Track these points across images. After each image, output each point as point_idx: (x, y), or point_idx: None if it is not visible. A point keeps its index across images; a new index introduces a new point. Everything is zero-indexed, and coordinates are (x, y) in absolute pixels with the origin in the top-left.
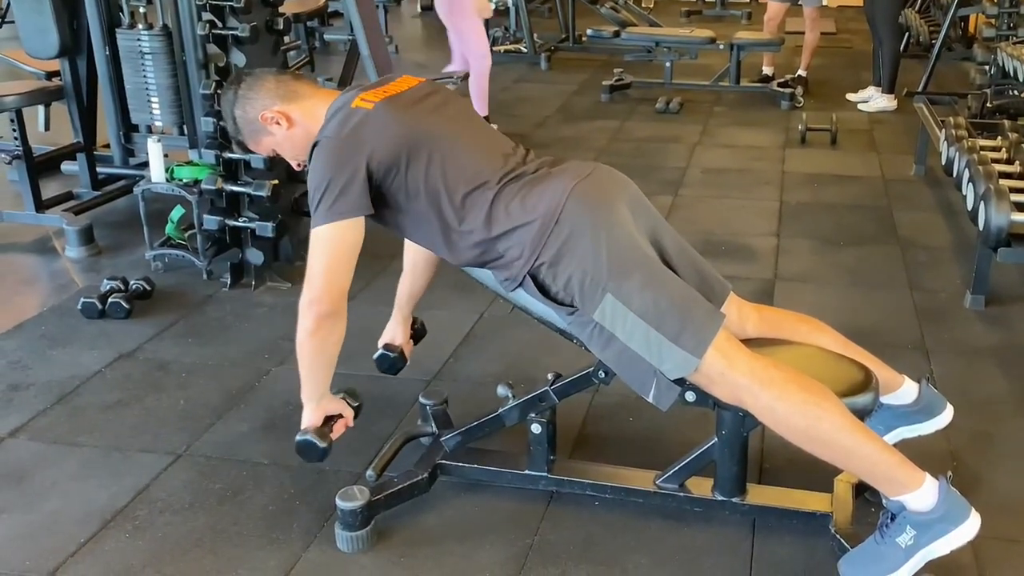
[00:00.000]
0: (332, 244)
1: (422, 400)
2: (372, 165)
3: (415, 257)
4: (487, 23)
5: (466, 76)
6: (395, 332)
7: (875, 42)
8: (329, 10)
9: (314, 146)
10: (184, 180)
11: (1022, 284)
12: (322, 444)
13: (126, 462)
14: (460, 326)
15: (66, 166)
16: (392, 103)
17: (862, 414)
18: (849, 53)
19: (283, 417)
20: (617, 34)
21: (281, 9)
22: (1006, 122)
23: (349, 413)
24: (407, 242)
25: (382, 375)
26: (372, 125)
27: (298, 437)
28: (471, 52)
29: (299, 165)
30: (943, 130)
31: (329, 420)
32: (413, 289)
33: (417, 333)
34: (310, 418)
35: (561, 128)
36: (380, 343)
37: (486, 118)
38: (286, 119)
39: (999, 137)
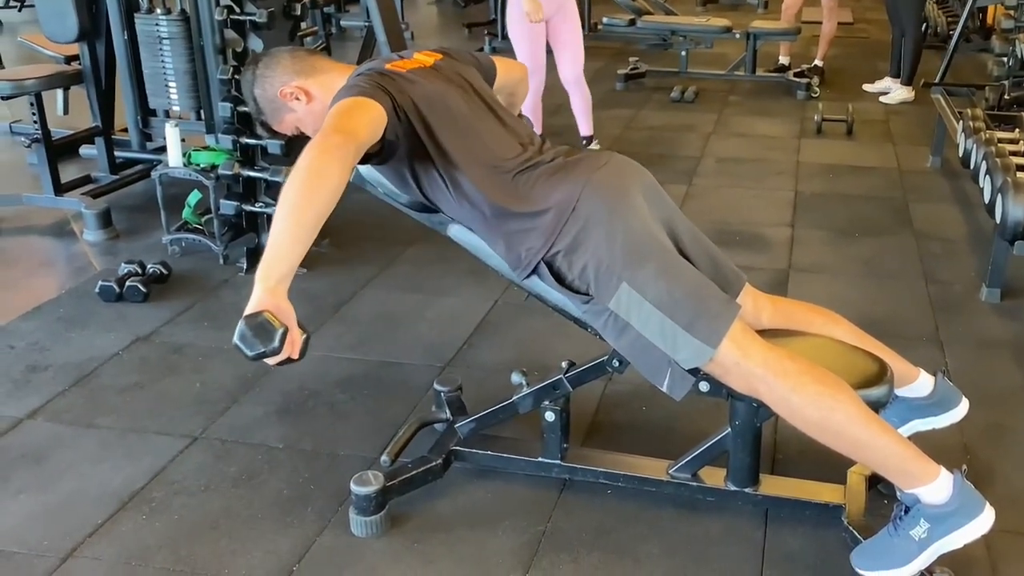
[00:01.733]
0: (347, 104)
1: (436, 386)
2: (399, 106)
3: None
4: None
5: None
6: None
7: (895, 33)
8: None
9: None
10: (201, 165)
11: None
12: (278, 327)
13: (142, 444)
14: (475, 313)
15: (84, 150)
16: (420, 73)
17: (877, 406)
18: (866, 43)
19: (298, 402)
20: (632, 22)
21: None
22: None
23: (298, 336)
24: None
25: (396, 360)
26: (403, 80)
27: (243, 321)
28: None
29: None
30: (960, 122)
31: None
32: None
33: None
34: (262, 302)
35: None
36: None
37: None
38: (305, 94)
39: (1017, 129)
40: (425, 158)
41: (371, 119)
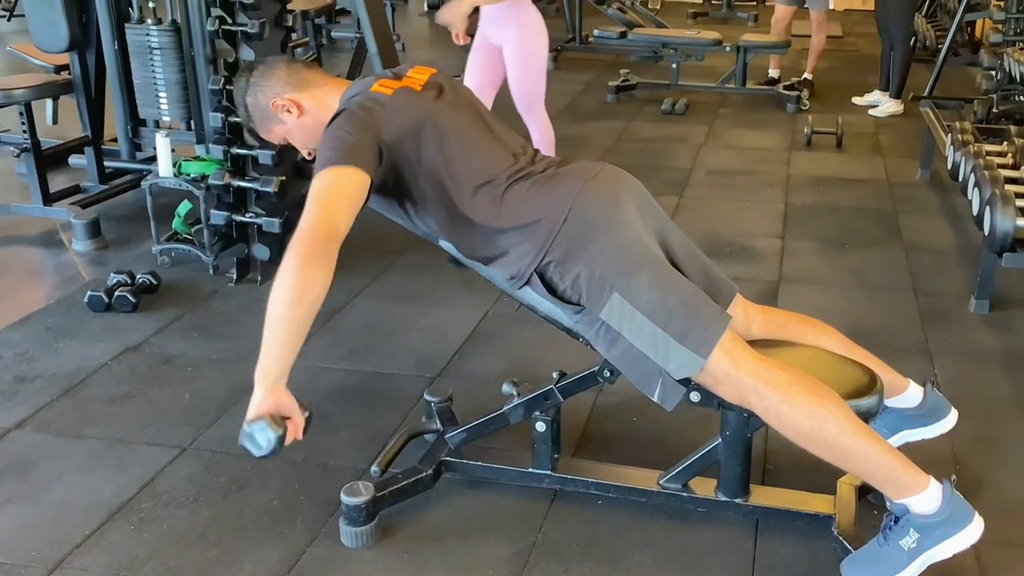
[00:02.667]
0: (331, 182)
1: (427, 397)
2: (385, 143)
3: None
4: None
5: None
6: None
7: (885, 46)
8: (337, 7)
9: (332, 120)
10: (191, 175)
11: None
12: (278, 431)
13: (131, 455)
14: (466, 323)
15: (74, 160)
16: (410, 92)
17: (867, 416)
18: (855, 56)
19: None
20: (624, 35)
21: (290, 6)
22: (1012, 127)
23: (300, 420)
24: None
25: (387, 372)
26: (390, 110)
27: (246, 425)
28: None
29: (309, 153)
30: (949, 135)
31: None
32: None
33: None
34: (263, 403)
35: (567, 128)
36: None
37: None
38: (297, 107)
39: (1005, 142)
40: (412, 192)
41: (353, 198)
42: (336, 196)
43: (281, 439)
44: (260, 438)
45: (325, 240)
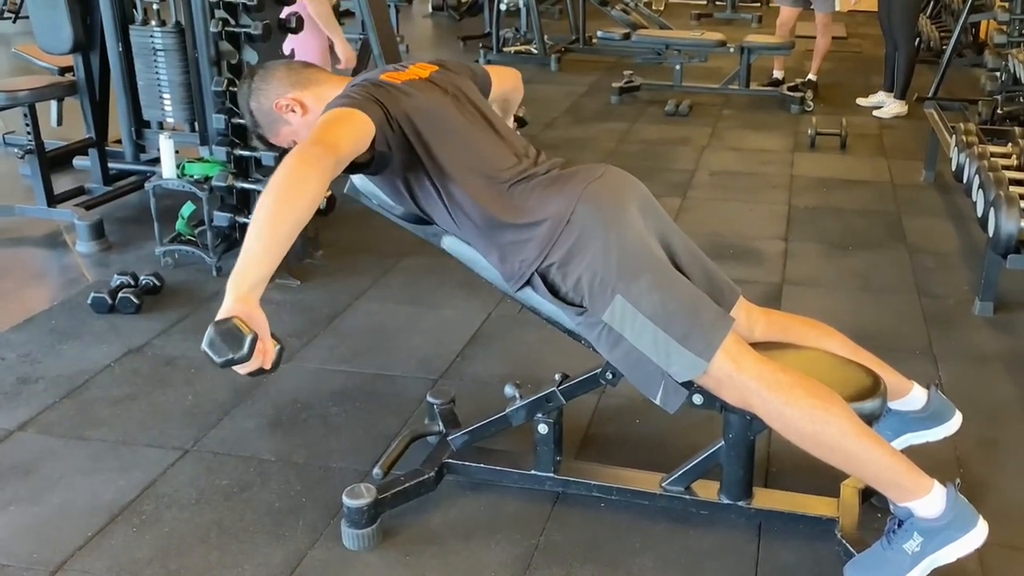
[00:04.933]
0: (334, 114)
1: (429, 399)
2: (394, 116)
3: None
4: None
5: None
6: None
7: (889, 47)
8: (341, 9)
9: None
10: (195, 176)
11: None
12: (248, 333)
13: (133, 457)
14: (468, 325)
15: (78, 161)
16: (415, 84)
17: (870, 419)
18: (860, 58)
19: (290, 415)
20: (627, 36)
21: (293, 7)
22: (1017, 129)
23: (271, 346)
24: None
25: (389, 374)
26: (401, 91)
27: (213, 327)
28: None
29: None
30: (953, 136)
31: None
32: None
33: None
34: (233, 309)
35: (570, 129)
36: None
37: None
38: (300, 105)
39: (1009, 144)
40: (419, 169)
41: (356, 131)
42: (338, 122)
43: (252, 343)
44: (227, 340)
45: (323, 150)
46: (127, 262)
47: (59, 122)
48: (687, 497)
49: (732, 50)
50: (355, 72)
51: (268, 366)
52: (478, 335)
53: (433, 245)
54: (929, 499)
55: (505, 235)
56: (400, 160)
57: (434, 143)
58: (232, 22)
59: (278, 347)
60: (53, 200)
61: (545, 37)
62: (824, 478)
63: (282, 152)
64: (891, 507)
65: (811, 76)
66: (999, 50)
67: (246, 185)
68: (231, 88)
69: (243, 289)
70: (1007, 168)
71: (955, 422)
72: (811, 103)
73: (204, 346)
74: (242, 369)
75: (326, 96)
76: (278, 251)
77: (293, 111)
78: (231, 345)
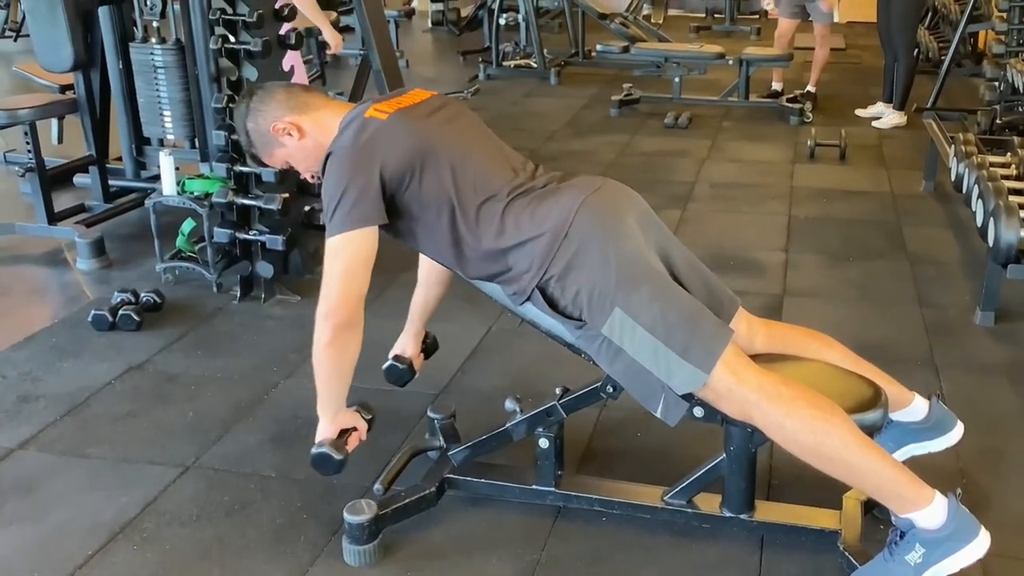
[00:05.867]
0: (347, 253)
1: (430, 414)
2: (386, 174)
3: (429, 270)
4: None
5: (476, 91)
6: (406, 344)
7: (888, 58)
8: (341, 25)
9: (328, 157)
10: (195, 193)
11: None
12: (338, 456)
13: (135, 474)
14: (468, 340)
15: (78, 179)
16: (406, 114)
17: (871, 431)
18: (858, 69)
19: (292, 430)
20: (626, 49)
21: (293, 24)
22: (1016, 138)
23: (363, 426)
24: (422, 256)
25: (390, 388)
26: (386, 135)
27: (314, 450)
28: None
29: (312, 177)
30: (952, 146)
31: (343, 433)
32: (427, 302)
33: (428, 347)
34: (326, 431)
35: (570, 142)
36: (391, 354)
37: None
38: (297, 130)
39: (1009, 153)
40: (415, 218)
41: (370, 257)
42: (356, 267)
43: (342, 463)
44: (322, 463)
45: (354, 310)
46: (128, 279)
47: (60, 140)
48: (689, 510)
49: (731, 62)
50: (354, 87)
51: (364, 438)
52: (478, 349)
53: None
54: (931, 510)
55: (506, 256)
56: (396, 214)
57: (426, 188)
58: (232, 39)
59: (369, 417)
60: (54, 218)
61: (545, 51)
62: (826, 490)
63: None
64: (893, 519)
65: (810, 87)
66: (997, 60)
67: (246, 201)
68: (231, 105)
69: (331, 414)
70: (1006, 178)
71: (956, 433)
72: (810, 114)
73: (312, 464)
74: None
75: (324, 122)
76: (346, 387)
77: (290, 135)
78: (328, 467)
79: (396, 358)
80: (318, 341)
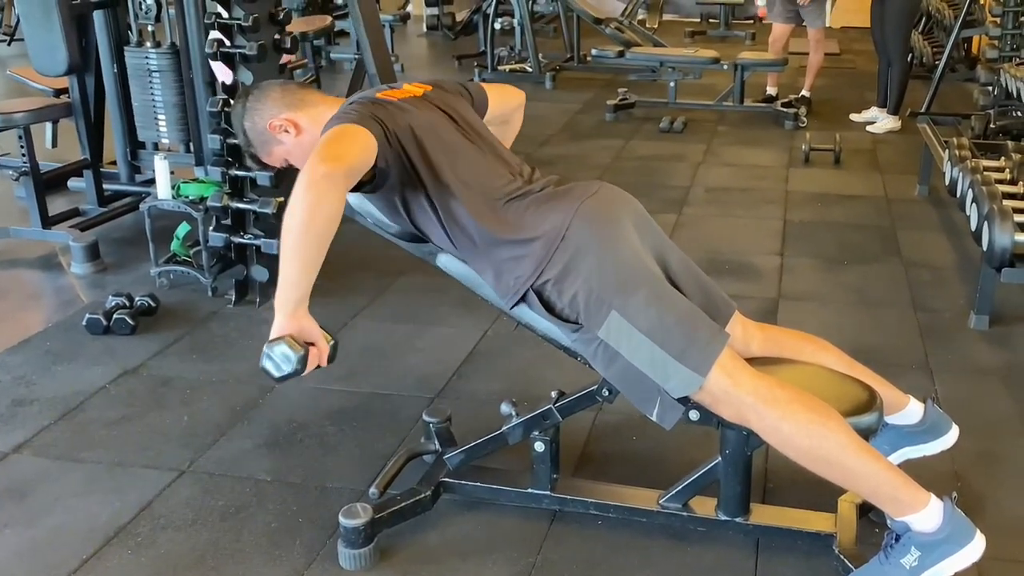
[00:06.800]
0: (338, 131)
1: (426, 418)
2: (392, 131)
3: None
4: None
5: None
6: None
7: (882, 63)
8: (335, 29)
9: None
10: (190, 197)
11: None
12: (298, 351)
13: (129, 478)
14: (464, 344)
15: (73, 183)
16: (411, 102)
17: (866, 434)
18: (853, 73)
19: (287, 434)
20: (622, 54)
21: (288, 28)
22: (1009, 143)
23: (324, 346)
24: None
25: (386, 392)
26: (398, 107)
27: (265, 348)
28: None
29: None
30: (947, 151)
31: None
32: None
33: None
34: (284, 327)
35: (566, 146)
36: None
37: None
38: (294, 126)
39: (1002, 158)
40: (416, 185)
41: (361, 146)
42: (342, 137)
43: (303, 359)
44: (280, 358)
45: (333, 166)
46: (122, 283)
47: (54, 144)
48: (685, 514)
49: (726, 67)
50: (350, 91)
51: (325, 363)
52: (475, 353)
53: (429, 263)
54: (926, 513)
55: (500, 252)
56: (397, 177)
57: (431, 159)
58: (227, 43)
59: (332, 343)
60: (48, 222)
61: (540, 55)
62: (822, 493)
63: (276, 172)
64: (888, 521)
65: (804, 92)
66: (991, 65)
67: (241, 205)
68: (226, 108)
69: (289, 307)
70: (1000, 182)
71: (952, 436)
72: (805, 119)
73: (261, 364)
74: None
75: (320, 117)
76: (313, 267)
77: (287, 131)
78: (284, 363)
79: None
80: (290, 203)
